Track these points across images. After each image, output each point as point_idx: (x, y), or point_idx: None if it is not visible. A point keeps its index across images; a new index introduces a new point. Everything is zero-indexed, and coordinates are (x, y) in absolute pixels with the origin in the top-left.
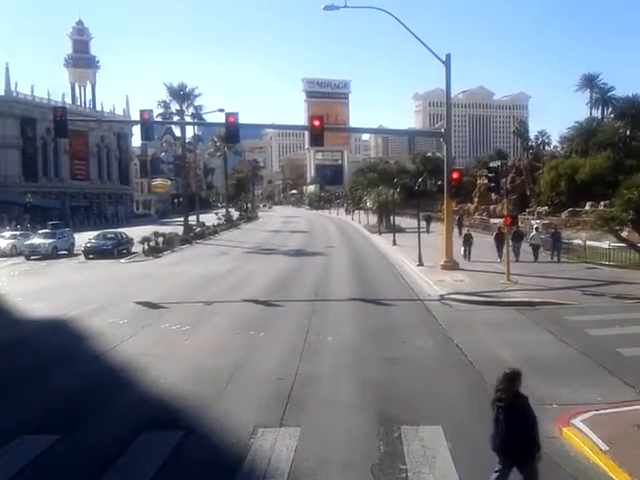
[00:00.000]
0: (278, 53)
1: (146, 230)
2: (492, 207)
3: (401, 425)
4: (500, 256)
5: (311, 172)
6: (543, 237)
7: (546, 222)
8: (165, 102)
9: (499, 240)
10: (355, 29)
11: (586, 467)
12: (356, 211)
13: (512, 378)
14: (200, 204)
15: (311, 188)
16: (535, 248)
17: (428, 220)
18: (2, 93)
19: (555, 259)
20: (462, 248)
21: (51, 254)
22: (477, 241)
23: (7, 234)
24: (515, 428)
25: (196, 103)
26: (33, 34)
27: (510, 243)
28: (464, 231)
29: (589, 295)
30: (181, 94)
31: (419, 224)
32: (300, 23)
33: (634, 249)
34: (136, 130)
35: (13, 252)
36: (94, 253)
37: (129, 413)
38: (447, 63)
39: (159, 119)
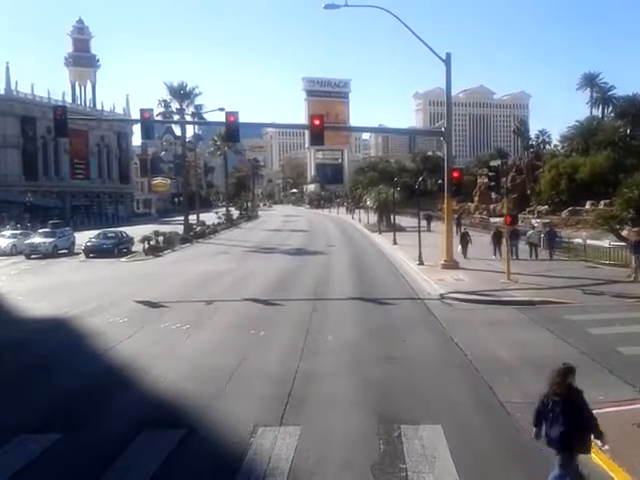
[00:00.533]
0: (278, 52)
1: (146, 229)
2: (492, 206)
3: (401, 424)
4: (495, 254)
5: (311, 171)
6: (543, 236)
7: (546, 221)
8: (165, 101)
9: (497, 239)
10: (355, 28)
11: (586, 466)
12: (357, 210)
13: (566, 372)
14: (200, 203)
15: (311, 187)
16: (533, 246)
17: (428, 219)
18: (2, 92)
19: (555, 257)
20: (459, 246)
21: (51, 253)
22: (475, 240)
23: (7, 233)
24: (573, 421)
25: (196, 102)
26: (33, 33)
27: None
28: (461, 229)
29: (589, 294)
30: (181, 93)
31: (419, 223)
32: (300, 22)
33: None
34: (136, 129)
35: (13, 251)
36: (94, 252)
37: (130, 412)
38: (447, 62)
39: (159, 118)
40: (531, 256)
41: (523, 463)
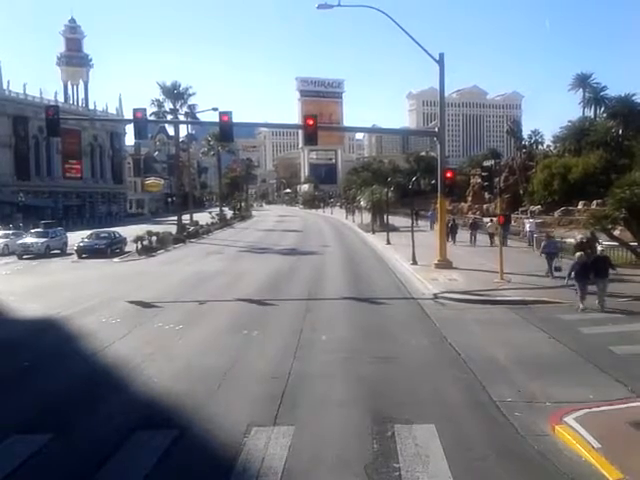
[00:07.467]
0: (272, 52)
1: (139, 229)
2: (485, 206)
3: (394, 424)
4: (448, 240)
5: (305, 171)
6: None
7: (539, 221)
8: (159, 101)
9: (453, 229)
10: (349, 28)
11: (578, 464)
12: (356, 211)
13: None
14: (194, 203)
15: (305, 187)
16: (490, 235)
17: (417, 215)
18: None
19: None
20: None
21: (44, 253)
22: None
23: None
24: None
25: (190, 102)
26: (25, 32)
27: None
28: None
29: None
30: (175, 93)
31: (412, 223)
32: (294, 22)
33: (626, 247)
34: (129, 129)
35: (5, 251)
36: (87, 252)
37: (122, 412)
38: (441, 62)
39: (152, 118)
40: (491, 244)
41: (517, 462)
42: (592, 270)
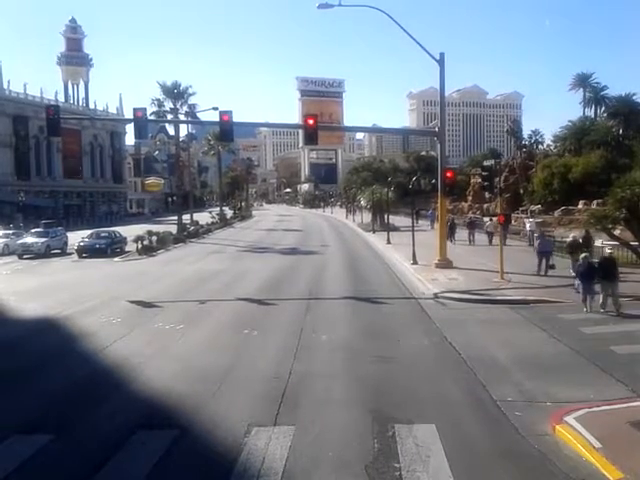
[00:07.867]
0: (272, 51)
1: (139, 229)
2: (486, 206)
3: (395, 424)
4: (449, 239)
5: (305, 171)
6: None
7: (539, 220)
8: (159, 100)
9: (452, 229)
10: (349, 28)
11: (579, 464)
12: (357, 210)
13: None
14: (194, 203)
15: (305, 187)
16: (489, 235)
17: (417, 215)
18: None
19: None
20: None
21: (44, 253)
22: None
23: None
24: None
25: (190, 101)
26: (26, 32)
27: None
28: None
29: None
30: (175, 92)
31: (413, 223)
32: (294, 21)
33: (627, 247)
34: (130, 128)
35: (5, 251)
36: (87, 252)
37: (123, 412)
38: (441, 62)
39: (153, 117)
40: (490, 243)
41: (517, 462)
42: (600, 272)
